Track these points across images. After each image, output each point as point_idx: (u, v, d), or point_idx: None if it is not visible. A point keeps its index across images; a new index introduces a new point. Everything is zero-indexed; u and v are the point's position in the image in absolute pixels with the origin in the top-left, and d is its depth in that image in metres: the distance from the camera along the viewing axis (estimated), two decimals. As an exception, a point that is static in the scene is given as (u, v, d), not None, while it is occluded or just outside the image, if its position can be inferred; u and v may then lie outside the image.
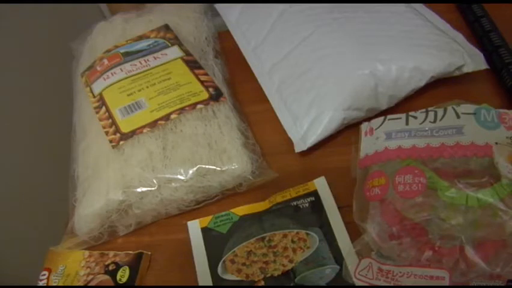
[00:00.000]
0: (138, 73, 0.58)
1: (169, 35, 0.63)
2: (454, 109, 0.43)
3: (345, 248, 0.44)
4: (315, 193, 0.49)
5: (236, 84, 0.63)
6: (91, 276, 0.47)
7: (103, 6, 1.05)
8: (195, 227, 0.49)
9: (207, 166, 0.49)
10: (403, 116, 0.45)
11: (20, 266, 0.77)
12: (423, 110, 0.44)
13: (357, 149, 0.46)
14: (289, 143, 0.54)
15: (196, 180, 0.49)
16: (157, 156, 0.50)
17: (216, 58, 0.64)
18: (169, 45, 0.61)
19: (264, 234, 0.46)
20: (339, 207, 0.47)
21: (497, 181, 0.37)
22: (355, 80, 0.53)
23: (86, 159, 0.54)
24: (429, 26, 0.58)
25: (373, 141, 0.45)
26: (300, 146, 0.53)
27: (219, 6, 0.70)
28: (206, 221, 0.49)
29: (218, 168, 0.49)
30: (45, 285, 0.48)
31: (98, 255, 0.49)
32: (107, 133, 0.52)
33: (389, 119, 0.45)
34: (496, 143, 0.39)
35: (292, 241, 0.45)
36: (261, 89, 0.59)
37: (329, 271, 0.43)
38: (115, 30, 0.67)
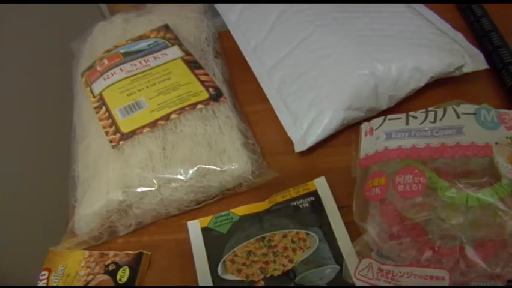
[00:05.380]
0: (138, 73, 0.58)
1: (169, 35, 0.63)
2: (454, 109, 0.43)
3: (345, 248, 0.44)
4: (315, 193, 0.49)
5: (236, 84, 0.63)
6: (91, 276, 0.47)
7: (103, 6, 1.05)
8: (195, 227, 0.49)
9: (207, 166, 0.49)
10: (403, 116, 0.45)
11: (20, 266, 0.77)
12: (423, 110, 0.44)
13: (357, 149, 0.46)
14: (289, 143, 0.54)
15: (196, 180, 0.49)
16: (157, 156, 0.50)
17: (216, 58, 0.64)
18: (169, 45, 0.61)
19: (264, 234, 0.46)
20: (339, 207, 0.47)
21: (497, 181, 0.37)
22: (355, 80, 0.53)
23: (86, 159, 0.54)
24: (429, 26, 0.58)
25: (373, 141, 0.45)
26: (300, 146, 0.53)
27: (219, 6, 0.70)
28: (206, 221, 0.49)
29: (218, 168, 0.49)
30: (45, 285, 0.48)
31: (98, 255, 0.49)
32: (107, 133, 0.52)
33: (389, 119, 0.45)
34: (496, 143, 0.39)
35: (292, 241, 0.45)
36: (261, 89, 0.59)
37: (328, 271, 0.43)
38: (115, 30, 0.67)
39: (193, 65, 0.59)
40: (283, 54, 0.59)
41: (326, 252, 0.44)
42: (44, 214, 0.86)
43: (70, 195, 0.53)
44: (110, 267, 0.48)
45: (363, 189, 0.42)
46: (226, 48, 0.67)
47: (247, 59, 0.63)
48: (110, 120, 0.53)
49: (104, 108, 0.55)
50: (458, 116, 0.42)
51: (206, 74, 0.58)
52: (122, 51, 0.61)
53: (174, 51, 0.60)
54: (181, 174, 0.49)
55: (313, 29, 0.58)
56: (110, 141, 0.52)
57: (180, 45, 0.61)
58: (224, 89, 0.57)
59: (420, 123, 0.43)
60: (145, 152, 0.50)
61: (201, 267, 0.46)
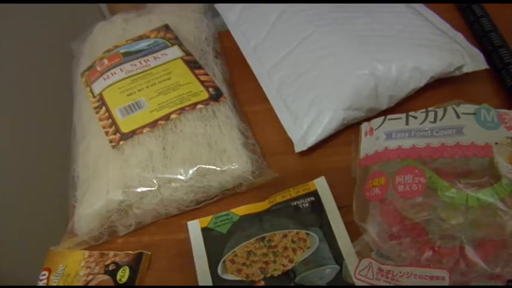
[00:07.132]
0: (138, 73, 0.58)
1: (169, 35, 0.63)
2: (454, 109, 0.43)
3: (345, 248, 0.44)
4: (315, 193, 0.49)
5: (236, 84, 0.63)
6: (91, 276, 0.47)
7: (103, 6, 1.05)
8: (195, 227, 0.49)
9: (207, 166, 0.49)
10: (403, 116, 0.45)
11: (20, 266, 0.77)
12: (423, 110, 0.44)
13: (357, 149, 0.46)
14: (289, 143, 0.54)
15: (196, 180, 0.49)
16: (157, 156, 0.50)
17: (216, 58, 0.64)
18: (169, 45, 0.61)
19: (264, 234, 0.46)
20: (339, 207, 0.47)
21: (497, 181, 0.37)
22: (355, 80, 0.53)
23: (86, 159, 0.54)
24: (429, 26, 0.58)
25: (373, 141, 0.45)
26: (300, 146, 0.53)
27: (219, 6, 0.70)
28: (206, 221, 0.49)
29: (218, 168, 0.49)
30: (45, 285, 0.48)
31: (98, 255, 0.49)
32: (107, 133, 0.52)
33: (389, 119, 0.45)
34: (496, 143, 0.39)
35: (292, 241, 0.45)
36: (261, 89, 0.59)
37: (328, 271, 0.43)
38: (115, 30, 0.67)
39: (193, 65, 0.59)
40: (283, 54, 0.59)
41: (326, 252, 0.44)
42: (44, 214, 0.86)
43: (70, 195, 0.53)
44: (110, 267, 0.48)
45: (363, 189, 0.42)
46: (226, 48, 0.67)
47: (247, 59, 0.63)
48: (110, 120, 0.53)
49: (104, 108, 0.55)
50: (458, 116, 0.42)
51: (206, 74, 0.58)
52: (122, 51, 0.61)
53: (174, 51, 0.60)
54: (181, 174, 0.49)
55: (313, 29, 0.58)
56: (110, 141, 0.52)
57: (180, 45, 0.61)
58: (224, 89, 0.57)
59: (420, 123, 0.43)
60: (145, 152, 0.50)
61: (201, 267, 0.46)
